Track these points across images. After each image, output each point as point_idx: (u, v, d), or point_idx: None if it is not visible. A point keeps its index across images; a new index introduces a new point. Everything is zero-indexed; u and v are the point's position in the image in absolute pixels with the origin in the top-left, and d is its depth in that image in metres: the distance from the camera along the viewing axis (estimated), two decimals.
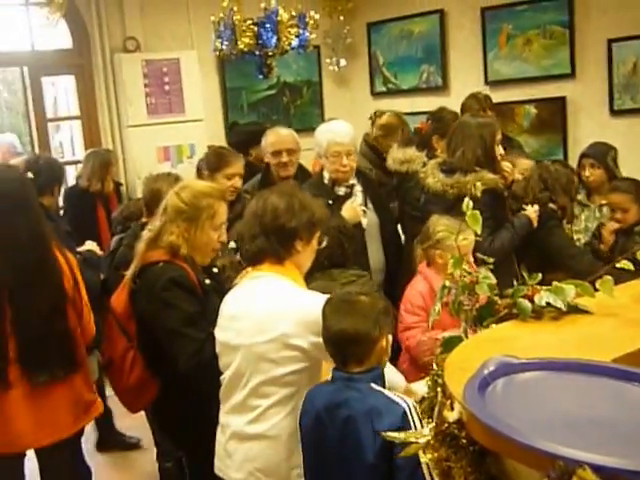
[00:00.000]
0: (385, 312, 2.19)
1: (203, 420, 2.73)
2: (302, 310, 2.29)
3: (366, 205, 3.88)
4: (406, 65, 6.68)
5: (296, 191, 2.56)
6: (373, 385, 2.09)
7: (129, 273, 2.88)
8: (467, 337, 1.95)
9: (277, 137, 4.22)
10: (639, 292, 2.10)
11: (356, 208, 3.77)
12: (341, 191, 3.86)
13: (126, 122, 6.00)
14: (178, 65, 6.11)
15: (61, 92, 6.54)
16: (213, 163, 3.94)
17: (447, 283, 2.06)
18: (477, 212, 2.04)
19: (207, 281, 2.83)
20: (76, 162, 6.02)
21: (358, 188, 3.90)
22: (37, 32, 5.82)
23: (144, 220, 3.67)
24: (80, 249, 3.57)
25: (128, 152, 6.06)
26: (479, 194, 2.21)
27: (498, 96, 5.61)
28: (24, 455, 2.93)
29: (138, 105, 5.97)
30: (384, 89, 6.94)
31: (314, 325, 2.24)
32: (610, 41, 5.34)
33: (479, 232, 2.07)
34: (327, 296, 2.33)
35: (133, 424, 4.53)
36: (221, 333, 2.47)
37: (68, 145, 6.71)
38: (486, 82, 6.06)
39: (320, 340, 2.24)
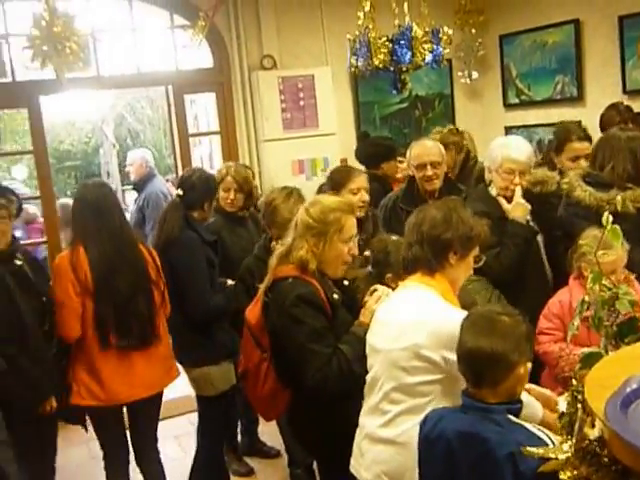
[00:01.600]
0: (527, 337, 2.06)
1: (334, 429, 2.80)
2: (438, 323, 2.30)
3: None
4: (540, 76, 6.54)
5: (457, 205, 2.56)
6: (512, 418, 1.99)
7: (262, 287, 2.96)
8: (607, 354, 1.92)
9: (422, 149, 4.12)
10: None
11: (524, 204, 3.59)
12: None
13: (262, 136, 6.20)
14: (312, 81, 6.28)
15: (201, 109, 6.85)
16: (336, 181, 3.90)
17: (586, 298, 2.04)
18: (617, 227, 2.00)
19: (335, 296, 2.86)
20: None
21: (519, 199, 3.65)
22: (181, 53, 6.14)
23: (269, 233, 3.79)
24: (225, 280, 3.95)
25: (264, 166, 6.25)
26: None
27: (638, 106, 5.40)
28: (122, 408, 3.53)
29: (274, 120, 6.17)
30: (517, 101, 6.84)
31: (450, 340, 2.24)
32: None
33: (619, 248, 2.04)
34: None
35: (266, 430, 4.69)
36: (371, 336, 2.56)
37: (206, 159, 7.01)
38: (624, 91, 5.85)
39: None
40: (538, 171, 3.87)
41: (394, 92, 4.51)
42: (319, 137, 6.31)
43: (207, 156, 6.95)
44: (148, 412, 3.62)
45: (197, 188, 3.88)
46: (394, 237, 3.20)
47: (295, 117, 6.25)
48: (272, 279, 2.89)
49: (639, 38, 5.70)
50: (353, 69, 4.20)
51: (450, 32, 4.24)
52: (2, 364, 3.08)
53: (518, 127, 6.71)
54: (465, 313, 2.34)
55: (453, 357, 2.24)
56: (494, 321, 2.03)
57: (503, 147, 3.70)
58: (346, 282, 3.00)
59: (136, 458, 3.71)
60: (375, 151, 5.31)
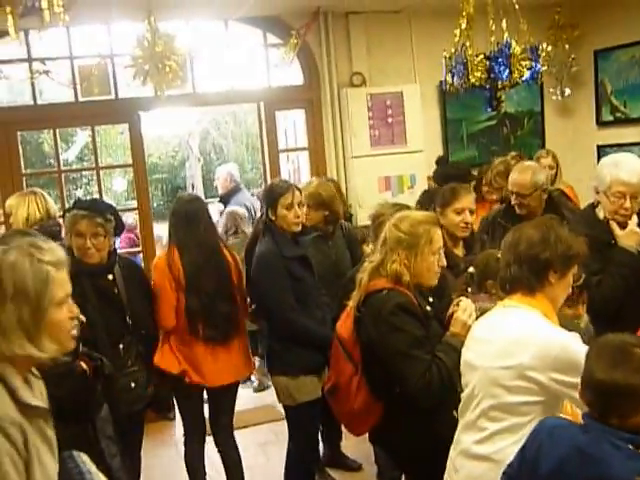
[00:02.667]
0: None
1: (427, 441, 2.82)
2: (544, 344, 2.28)
3: None
4: (637, 92, 6.37)
5: (554, 224, 2.53)
6: (632, 448, 1.88)
7: (353, 302, 3.01)
8: None
9: (516, 177, 4.07)
10: None
11: (638, 232, 3.38)
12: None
13: (350, 153, 6.24)
14: (401, 98, 6.29)
15: (290, 125, 6.94)
16: (443, 199, 3.89)
17: None
18: None
19: (428, 307, 2.92)
20: None
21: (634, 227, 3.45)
22: (273, 70, 6.26)
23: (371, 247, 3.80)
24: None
25: (351, 182, 6.29)
26: None
27: None
28: (204, 392, 3.98)
29: (362, 137, 6.21)
30: (611, 118, 6.67)
31: (558, 362, 2.24)
32: None
33: None
34: (573, 335, 2.32)
35: (348, 443, 4.71)
36: (466, 352, 2.56)
37: (294, 174, 7.09)
38: None
39: (566, 378, 2.21)
40: None
41: (489, 110, 4.48)
42: (406, 154, 6.31)
43: (295, 172, 7.04)
44: (229, 398, 4.05)
45: (261, 199, 4.05)
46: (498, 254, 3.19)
47: (383, 134, 6.28)
48: (364, 293, 2.94)
49: None
50: (449, 86, 4.18)
51: (549, 48, 4.17)
52: (110, 367, 3.16)
53: (612, 146, 6.52)
54: (570, 334, 2.32)
55: (563, 378, 2.23)
56: (628, 353, 1.91)
57: (612, 167, 3.44)
58: (431, 299, 3.01)
59: (216, 443, 4.10)
60: (456, 173, 5.29)
